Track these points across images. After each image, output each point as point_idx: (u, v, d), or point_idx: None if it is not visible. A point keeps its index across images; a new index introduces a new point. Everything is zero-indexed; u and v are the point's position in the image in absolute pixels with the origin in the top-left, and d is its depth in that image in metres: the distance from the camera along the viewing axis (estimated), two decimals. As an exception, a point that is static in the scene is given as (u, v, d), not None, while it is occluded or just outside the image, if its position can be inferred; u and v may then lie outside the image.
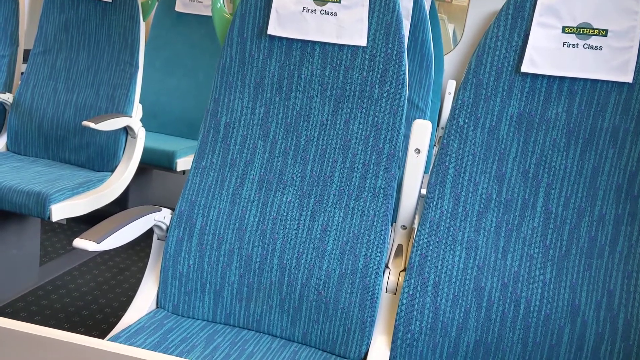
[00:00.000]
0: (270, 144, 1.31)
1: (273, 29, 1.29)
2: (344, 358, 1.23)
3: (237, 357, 1.17)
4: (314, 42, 1.29)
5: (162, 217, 1.29)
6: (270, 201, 1.29)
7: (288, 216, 1.28)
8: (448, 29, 3.52)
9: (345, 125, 1.27)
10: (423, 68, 2.01)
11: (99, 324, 1.96)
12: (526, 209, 1.19)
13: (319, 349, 1.25)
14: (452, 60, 3.31)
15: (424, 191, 1.27)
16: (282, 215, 1.28)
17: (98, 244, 1.07)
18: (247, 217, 1.29)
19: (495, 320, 1.17)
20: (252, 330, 1.29)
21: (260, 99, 1.31)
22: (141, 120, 2.16)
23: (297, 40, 1.29)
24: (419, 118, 1.93)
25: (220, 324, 1.30)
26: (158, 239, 1.34)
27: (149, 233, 1.34)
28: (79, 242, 1.06)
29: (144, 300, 1.30)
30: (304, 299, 1.25)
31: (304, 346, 1.26)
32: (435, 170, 1.23)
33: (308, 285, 1.25)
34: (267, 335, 1.28)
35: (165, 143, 2.52)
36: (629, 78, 1.13)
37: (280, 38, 1.30)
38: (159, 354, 0.65)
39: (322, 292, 1.24)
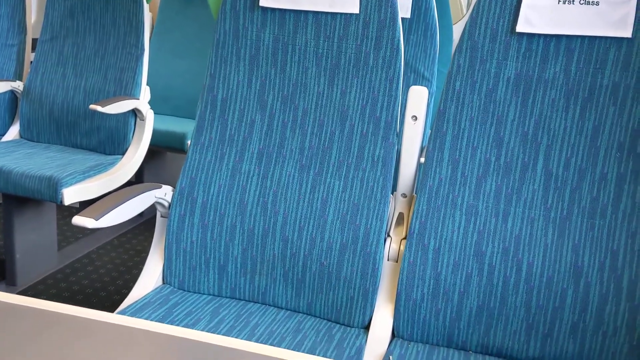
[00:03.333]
0: (268, 117, 1.31)
1: (265, 0, 1.28)
2: (348, 326, 1.24)
3: (241, 329, 1.18)
4: (306, 12, 1.28)
5: (163, 194, 1.30)
6: (270, 174, 1.29)
7: (288, 189, 1.28)
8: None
9: (342, 95, 1.27)
10: (427, 37, 1.99)
11: (117, 304, 2.00)
12: (526, 172, 1.17)
13: (324, 319, 1.26)
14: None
15: (422, 159, 1.26)
16: (283, 188, 1.29)
17: (96, 220, 1.09)
18: (247, 191, 1.30)
19: (497, 285, 1.16)
20: (258, 302, 1.31)
21: (255, 72, 1.31)
22: (153, 104, 2.18)
23: (290, 10, 1.28)
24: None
25: (226, 297, 1.31)
26: (161, 217, 1.36)
27: None
28: (78, 220, 1.08)
29: (150, 276, 1.32)
30: (307, 270, 1.26)
31: (309, 316, 1.27)
32: (433, 137, 1.22)
33: (310, 257, 1.26)
34: (272, 307, 1.29)
35: (176, 125, 2.54)
36: (627, 33, 1.09)
37: (273, 9, 1.29)
38: (162, 324, 0.66)
39: (325, 262, 1.25)
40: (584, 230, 1.13)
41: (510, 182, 1.18)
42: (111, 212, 1.14)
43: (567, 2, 1.12)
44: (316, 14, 1.27)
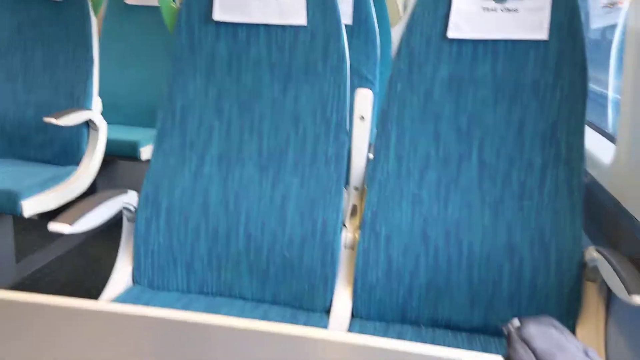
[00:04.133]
0: (226, 122, 1.40)
1: (218, 15, 1.38)
2: (311, 311, 1.35)
3: None
4: (258, 25, 1.38)
5: (130, 199, 1.38)
6: (231, 176, 1.39)
7: (249, 188, 1.38)
8: (397, 1, 3.62)
9: (294, 100, 1.37)
10: (369, 42, 2.12)
11: (81, 311, 2.04)
12: (462, 162, 1.31)
13: (288, 306, 1.37)
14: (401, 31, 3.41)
15: (371, 155, 1.38)
16: (244, 188, 1.38)
17: (71, 225, 1.16)
18: (210, 193, 1.39)
19: (442, 264, 1.30)
20: (225, 296, 1.40)
21: (212, 82, 1.40)
22: (103, 113, 2.22)
23: (242, 23, 1.38)
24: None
25: (195, 293, 1.40)
26: (128, 221, 1.43)
27: (120, 223, 1.42)
28: (54, 226, 1.14)
29: (120, 277, 1.39)
30: (270, 263, 1.36)
31: (274, 305, 1.37)
32: (379, 135, 1.34)
33: (273, 250, 1.36)
34: (239, 299, 1.39)
35: (128, 133, 2.58)
36: (544, 35, 1.25)
37: (226, 23, 1.39)
38: (149, 308, 0.74)
39: (287, 254, 1.35)
40: (515, 212, 1.28)
41: (449, 172, 1.31)
42: (84, 217, 1.20)
43: (490, 10, 1.27)
44: (267, 26, 1.37)
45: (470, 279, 1.29)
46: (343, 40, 1.34)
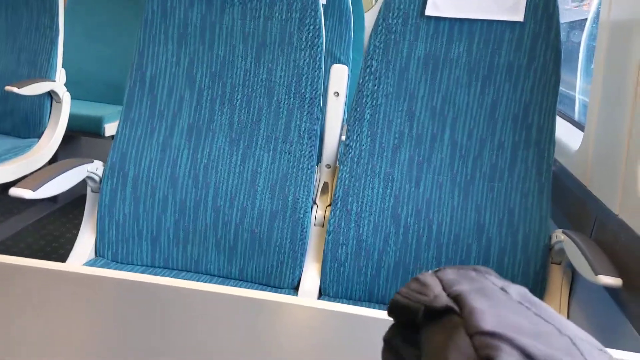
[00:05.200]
0: (197, 93, 1.37)
1: None
2: (279, 288, 1.33)
3: None
4: None
5: (95, 168, 1.33)
6: (201, 148, 1.36)
7: (219, 161, 1.35)
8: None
9: (268, 72, 1.35)
10: (342, 23, 2.10)
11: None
12: (435, 142, 1.31)
13: (255, 283, 1.35)
14: (374, 17, 3.42)
15: (344, 137, 1.37)
16: (213, 161, 1.35)
17: (34, 191, 1.11)
18: (178, 165, 1.35)
19: (411, 243, 1.30)
20: (191, 271, 1.37)
21: (184, 50, 1.37)
22: (67, 88, 2.15)
23: None
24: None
25: (159, 267, 1.36)
26: (92, 191, 1.38)
27: (81, 201, 1.37)
28: (15, 191, 1.09)
29: (82, 249, 1.34)
30: (238, 238, 1.34)
31: (241, 281, 1.35)
32: (354, 111, 1.33)
33: (242, 225, 1.33)
34: (205, 275, 1.36)
35: (92, 109, 2.50)
36: (520, 17, 1.25)
37: None
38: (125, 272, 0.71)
39: (256, 230, 1.33)
40: (485, 192, 1.29)
41: (422, 151, 1.31)
42: (48, 183, 1.16)
43: None
44: None
45: (438, 259, 1.29)
46: (320, 13, 1.32)
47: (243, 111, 1.35)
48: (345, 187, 1.32)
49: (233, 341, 0.60)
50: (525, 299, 0.41)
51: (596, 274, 1.03)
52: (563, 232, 1.22)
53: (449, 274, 0.42)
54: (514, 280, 1.25)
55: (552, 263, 1.29)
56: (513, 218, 1.27)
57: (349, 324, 0.67)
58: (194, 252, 1.36)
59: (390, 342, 0.42)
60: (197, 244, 1.35)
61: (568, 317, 1.25)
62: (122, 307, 0.66)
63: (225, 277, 1.36)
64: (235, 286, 1.33)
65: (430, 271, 0.43)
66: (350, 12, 2.10)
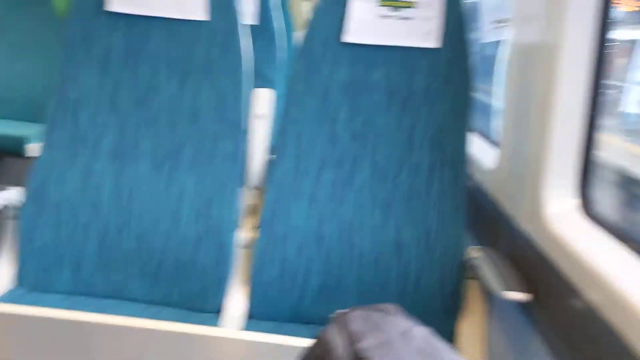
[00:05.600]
0: (121, 117, 1.35)
1: (113, 5, 1.33)
2: (203, 312, 1.32)
3: None
4: (156, 17, 1.34)
5: (10, 195, 1.29)
6: (125, 173, 1.34)
7: (143, 186, 1.34)
8: (302, 7, 3.67)
9: (193, 97, 1.35)
10: (272, 44, 2.13)
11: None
12: (356, 164, 1.35)
13: (180, 308, 1.34)
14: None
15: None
16: (137, 186, 1.34)
17: None
18: (101, 190, 1.33)
19: (334, 265, 1.33)
20: (114, 298, 1.34)
21: (107, 74, 1.35)
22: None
23: (140, 15, 1.34)
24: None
25: (82, 295, 1.33)
26: (9, 219, 1.34)
27: None
28: None
29: (1, 279, 1.30)
30: (162, 263, 1.33)
31: (165, 307, 1.34)
32: (279, 134, 1.35)
33: (166, 250, 1.33)
34: (128, 302, 1.34)
35: (14, 128, 2.42)
36: (435, 43, 1.31)
37: (123, 14, 1.34)
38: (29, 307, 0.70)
39: (180, 254, 1.32)
40: (404, 212, 1.33)
41: (344, 173, 1.35)
42: None
43: (386, 17, 1.32)
44: (166, 19, 1.34)
45: (360, 280, 1.33)
46: (241, 39, 1.34)
47: (167, 136, 1.35)
48: (272, 208, 1.34)
49: None
50: (426, 344, 0.44)
51: (504, 289, 1.08)
52: (477, 249, 1.28)
53: (356, 323, 0.44)
54: (432, 298, 1.30)
55: (469, 279, 1.35)
56: (430, 236, 1.32)
57: (274, 353, 0.68)
58: (118, 278, 1.34)
59: None
60: (121, 270, 1.33)
61: (486, 333, 1.31)
62: (32, 345, 0.65)
63: (149, 303, 1.34)
64: (159, 312, 1.32)
65: (336, 313, 0.45)
66: (280, 33, 2.13)
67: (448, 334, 1.32)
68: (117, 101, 1.35)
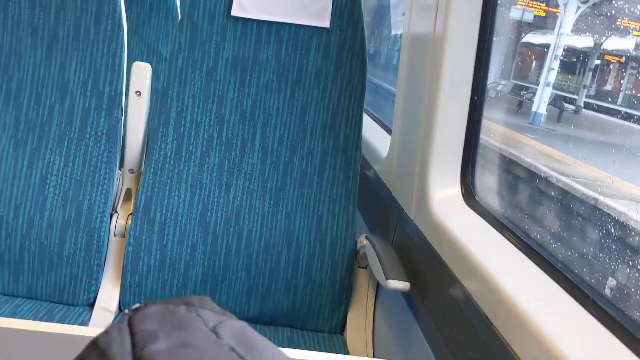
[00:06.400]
0: None
1: None
2: (73, 305, 1.21)
3: None
4: None
5: None
6: None
7: (2, 165, 1.20)
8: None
9: (61, 68, 1.22)
10: (169, 20, 2.00)
11: None
12: (245, 147, 1.27)
13: (45, 301, 1.21)
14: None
15: None
16: None
17: None
18: None
19: (220, 252, 1.25)
20: None
21: None
22: None
23: None
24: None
25: None
26: None
27: None
28: None
29: None
30: (25, 251, 1.20)
31: (28, 299, 1.21)
32: (158, 112, 1.25)
33: (29, 237, 1.20)
34: None
35: None
36: (326, 23, 1.26)
37: None
38: None
39: (45, 241, 1.20)
40: (295, 199, 1.27)
41: (232, 156, 1.27)
42: None
43: None
44: None
45: (248, 267, 1.26)
46: (119, 7, 1.22)
47: (31, 110, 1.21)
48: (148, 193, 1.23)
49: None
50: (240, 341, 0.36)
51: (386, 278, 1.05)
52: (366, 237, 1.24)
53: (149, 319, 0.35)
54: (321, 286, 1.25)
55: (359, 267, 1.31)
56: (321, 224, 1.27)
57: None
58: None
59: None
60: None
61: (373, 323, 1.27)
62: None
63: (11, 295, 1.21)
64: (21, 305, 1.19)
65: (127, 311, 0.36)
66: (177, 9, 2.01)
67: (338, 323, 1.28)
68: None
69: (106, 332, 0.33)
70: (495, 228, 0.95)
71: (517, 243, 0.88)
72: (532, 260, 0.83)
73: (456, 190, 1.08)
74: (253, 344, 0.35)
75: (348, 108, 1.28)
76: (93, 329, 0.60)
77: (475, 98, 1.05)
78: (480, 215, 1.01)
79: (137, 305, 0.36)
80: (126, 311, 0.35)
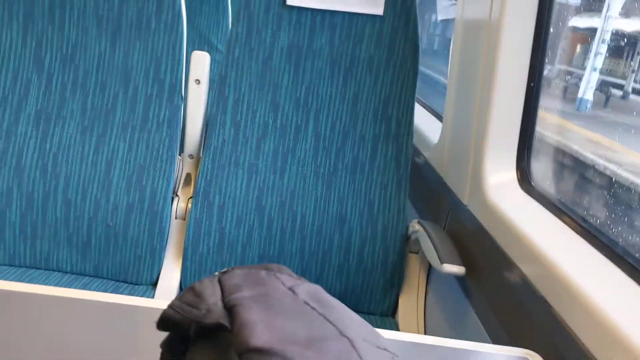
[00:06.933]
0: (46, 76, 1.27)
1: None
2: (137, 284, 1.27)
3: None
4: None
5: None
6: (50, 136, 1.26)
7: (70, 151, 1.26)
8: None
9: (124, 57, 1.27)
10: (219, 10, 2.05)
11: None
12: (299, 133, 1.30)
13: (112, 279, 1.28)
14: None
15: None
16: (64, 150, 1.26)
17: None
18: (25, 154, 1.25)
19: (275, 235, 1.29)
20: (40, 268, 1.27)
21: (31, 31, 1.26)
22: None
23: None
24: (218, 58, 1.98)
25: (4, 265, 1.26)
26: None
27: None
28: None
29: None
30: (92, 233, 1.26)
31: (96, 278, 1.28)
32: (216, 100, 1.29)
33: (95, 219, 1.26)
34: (56, 272, 1.27)
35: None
36: (379, 11, 1.27)
37: None
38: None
39: (111, 223, 1.26)
40: (347, 184, 1.30)
41: (286, 142, 1.30)
42: None
43: None
44: None
45: (302, 250, 1.29)
46: None
47: (97, 97, 1.27)
48: (208, 178, 1.28)
49: (84, 348, 0.55)
50: (314, 298, 0.40)
51: (441, 262, 1.07)
52: (418, 222, 1.27)
53: (234, 277, 0.40)
54: (373, 270, 1.28)
55: (410, 252, 1.33)
56: (373, 209, 1.30)
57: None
58: (44, 247, 1.26)
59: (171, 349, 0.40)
60: (47, 239, 1.26)
61: (425, 306, 1.30)
62: None
63: (79, 274, 1.28)
64: (89, 283, 1.26)
65: (217, 273, 0.40)
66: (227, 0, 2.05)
67: (390, 306, 1.31)
68: (41, 59, 1.27)
69: (200, 282, 0.38)
70: (552, 213, 0.95)
71: (576, 228, 0.89)
72: (593, 245, 0.84)
73: (512, 175, 1.09)
74: (327, 301, 0.38)
75: (400, 95, 1.30)
76: (160, 301, 0.65)
77: (532, 84, 1.05)
78: (537, 200, 1.01)
79: (224, 269, 0.40)
80: (216, 273, 0.39)
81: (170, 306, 0.36)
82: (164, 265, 1.28)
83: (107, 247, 1.27)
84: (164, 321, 0.36)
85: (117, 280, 1.28)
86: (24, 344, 0.54)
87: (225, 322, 0.34)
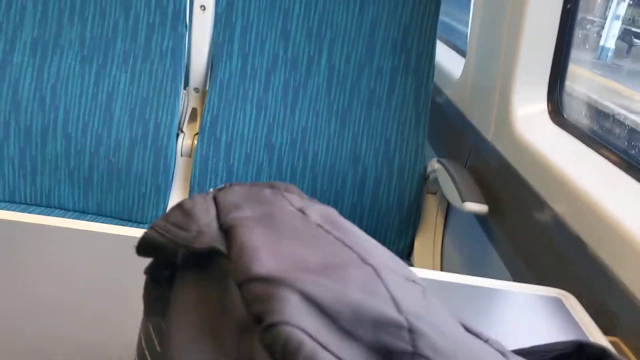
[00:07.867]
0: (42, 2, 1.18)
1: None
2: (141, 223, 1.22)
3: None
4: None
5: None
6: (48, 66, 1.19)
7: (69, 82, 1.19)
8: None
9: None
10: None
11: None
12: (311, 66, 1.22)
13: (115, 218, 1.23)
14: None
15: None
16: (62, 82, 1.19)
17: None
18: (21, 85, 1.18)
19: (286, 174, 1.22)
20: (42, 205, 1.23)
21: None
22: None
23: None
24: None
25: (4, 201, 1.21)
26: None
27: None
28: None
29: None
30: (94, 169, 1.20)
31: (99, 217, 1.23)
32: (223, 28, 1.21)
33: (97, 154, 1.20)
34: (58, 210, 1.22)
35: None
36: None
37: None
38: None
39: (113, 159, 1.20)
40: (363, 121, 1.22)
41: (297, 76, 1.22)
42: None
43: None
44: None
45: (313, 188, 1.23)
46: None
47: (96, 25, 1.19)
48: (214, 113, 1.21)
49: (93, 281, 0.50)
50: (327, 221, 0.33)
51: (463, 200, 1.00)
52: (438, 161, 1.19)
53: (233, 194, 0.33)
54: (388, 210, 1.22)
55: (428, 193, 1.27)
56: (389, 147, 1.23)
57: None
58: (44, 184, 1.21)
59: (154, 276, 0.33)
60: (47, 175, 1.21)
61: (442, 247, 1.24)
62: None
63: (81, 212, 1.23)
64: (93, 221, 1.21)
65: (211, 190, 0.33)
66: None
67: (405, 247, 1.26)
68: None
69: (192, 198, 0.31)
70: (589, 146, 0.88)
71: (617, 161, 0.82)
72: (636, 179, 0.76)
73: (542, 107, 1.00)
74: (341, 224, 0.31)
75: (421, 25, 1.21)
76: None
77: (569, 6, 0.95)
78: (571, 133, 0.94)
79: (221, 186, 0.33)
80: (210, 190, 0.32)
81: (152, 227, 0.29)
82: (169, 205, 1.23)
83: (110, 184, 1.21)
84: (145, 245, 0.29)
85: (121, 219, 1.23)
86: (30, 275, 0.49)
87: (220, 246, 0.27)
